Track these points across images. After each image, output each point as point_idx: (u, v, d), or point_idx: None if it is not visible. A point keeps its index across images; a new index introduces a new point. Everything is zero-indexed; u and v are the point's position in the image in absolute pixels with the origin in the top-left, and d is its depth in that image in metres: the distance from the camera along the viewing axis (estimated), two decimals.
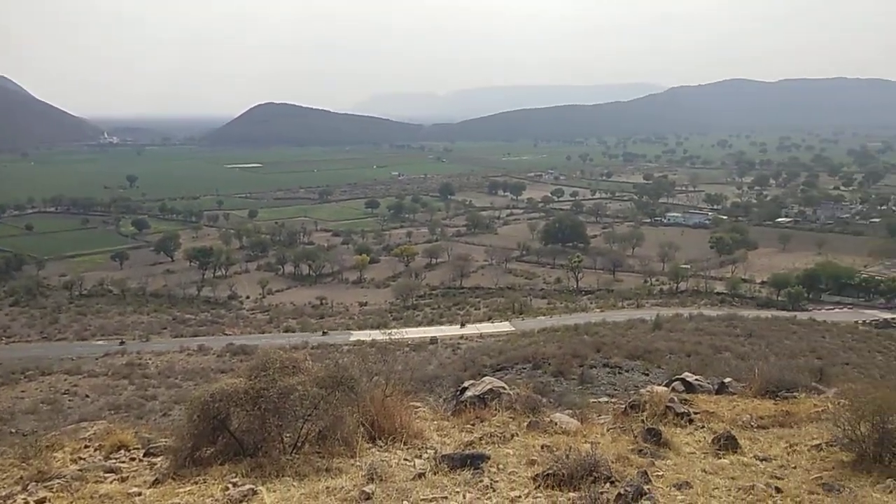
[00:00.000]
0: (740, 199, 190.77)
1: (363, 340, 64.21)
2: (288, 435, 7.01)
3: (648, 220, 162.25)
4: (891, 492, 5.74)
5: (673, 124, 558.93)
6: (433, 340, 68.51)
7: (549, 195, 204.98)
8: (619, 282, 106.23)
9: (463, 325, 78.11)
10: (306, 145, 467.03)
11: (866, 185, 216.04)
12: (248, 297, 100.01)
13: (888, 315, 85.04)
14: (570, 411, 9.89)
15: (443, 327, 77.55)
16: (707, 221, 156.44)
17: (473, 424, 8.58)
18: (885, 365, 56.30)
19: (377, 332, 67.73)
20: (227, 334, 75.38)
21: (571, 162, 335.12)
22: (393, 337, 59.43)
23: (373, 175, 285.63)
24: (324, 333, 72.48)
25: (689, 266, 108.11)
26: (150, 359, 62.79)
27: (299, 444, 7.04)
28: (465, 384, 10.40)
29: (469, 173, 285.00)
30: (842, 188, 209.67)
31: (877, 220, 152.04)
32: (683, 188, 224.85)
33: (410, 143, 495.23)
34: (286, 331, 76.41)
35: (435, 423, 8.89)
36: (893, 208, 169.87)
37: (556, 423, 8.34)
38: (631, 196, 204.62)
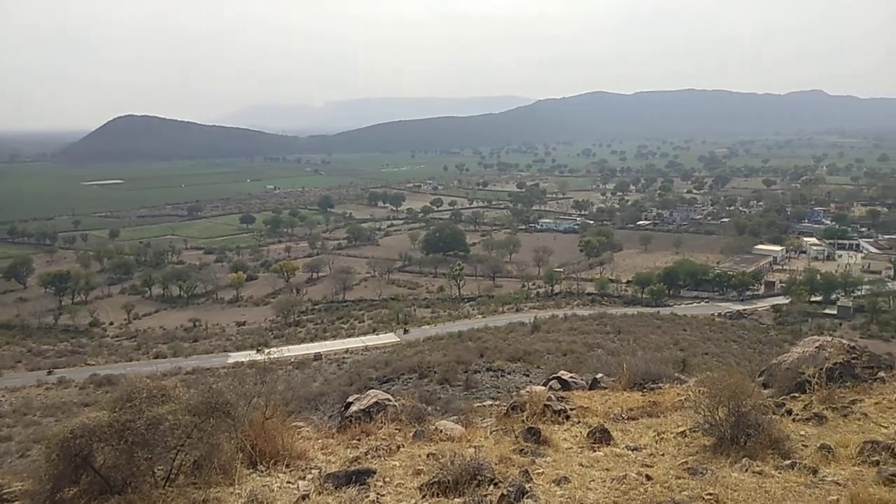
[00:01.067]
0: (605, 205, 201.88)
1: (242, 362, 61.77)
2: (160, 468, 6.57)
3: (523, 227, 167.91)
4: (746, 469, 6.25)
5: (541, 135, 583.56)
6: (317, 357, 67.18)
7: (429, 205, 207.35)
8: (499, 287, 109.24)
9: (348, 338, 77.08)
10: (172, 159, 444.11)
11: (715, 188, 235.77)
12: (111, 324, 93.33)
13: (740, 307, 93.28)
14: (456, 417, 9.99)
15: (327, 342, 76.25)
16: (576, 226, 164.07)
17: (359, 439, 8.45)
18: (740, 352, 61.68)
19: (256, 351, 65.42)
20: (89, 364, 69.99)
21: (449, 172, 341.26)
22: (274, 356, 57.62)
23: (247, 189, 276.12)
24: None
25: (562, 269, 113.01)
26: (2, 396, 57.10)
27: (173, 477, 6.62)
28: (350, 399, 10.24)
29: (348, 185, 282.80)
30: (694, 191, 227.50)
31: (726, 219, 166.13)
32: (554, 195, 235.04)
33: (286, 155, 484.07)
34: (156, 357, 72.07)
35: (319, 441, 8.68)
36: (740, 209, 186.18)
37: (441, 431, 8.39)
38: (506, 204, 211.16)
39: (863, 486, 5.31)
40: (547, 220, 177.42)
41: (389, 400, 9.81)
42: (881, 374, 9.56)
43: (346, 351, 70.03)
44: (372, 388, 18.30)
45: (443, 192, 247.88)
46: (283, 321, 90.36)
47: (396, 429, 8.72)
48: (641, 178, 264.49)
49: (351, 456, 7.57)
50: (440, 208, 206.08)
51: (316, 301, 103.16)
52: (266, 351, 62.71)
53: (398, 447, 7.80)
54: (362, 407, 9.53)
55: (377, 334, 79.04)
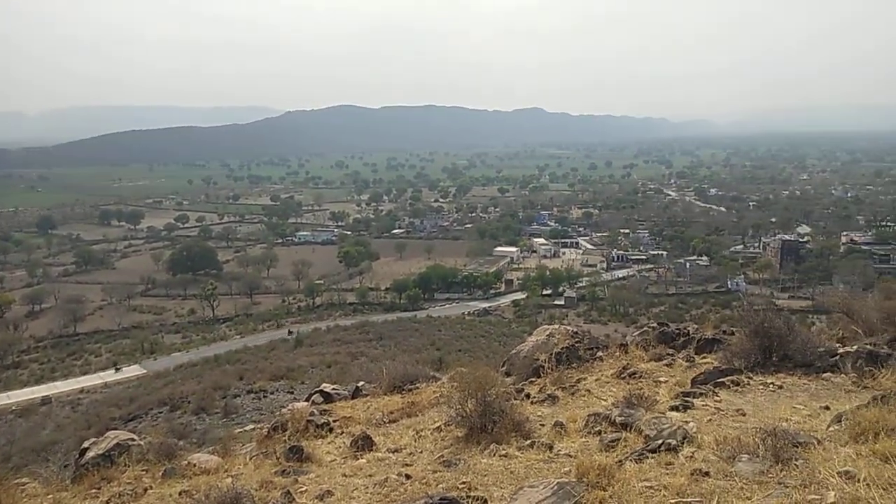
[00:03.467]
0: (360, 215, 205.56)
1: None
2: None
3: (280, 241, 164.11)
4: (494, 454, 6.78)
5: (293, 147, 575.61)
6: (45, 400, 58.55)
7: (173, 222, 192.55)
8: (258, 304, 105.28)
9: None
10: None
11: (458, 196, 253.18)
12: None
13: (486, 304, 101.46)
14: (213, 448, 9.45)
15: (57, 383, 66.75)
16: (334, 238, 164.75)
17: (99, 488, 7.60)
18: (488, 346, 66.96)
19: None
20: None
21: (195, 186, 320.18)
22: None
23: None
24: None
25: (322, 281, 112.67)
26: None
27: None
28: (87, 444, 9.14)
29: (73, 203, 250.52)
30: (440, 200, 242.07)
31: (469, 225, 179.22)
32: (310, 207, 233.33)
33: None
34: None
35: (50, 497, 7.65)
36: (481, 215, 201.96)
37: (195, 465, 7.87)
38: (260, 218, 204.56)
39: (588, 455, 6.05)
40: (304, 233, 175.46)
41: (133, 439, 8.95)
42: (599, 353, 11.05)
43: (82, 391, 61.99)
44: (114, 428, 16.47)
45: (189, 208, 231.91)
46: None
47: (143, 470, 8.00)
48: (393, 189, 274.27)
49: None
50: (187, 225, 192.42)
51: (40, 337, 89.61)
52: None
53: (145, 490, 7.13)
54: (101, 451, 8.58)
55: (119, 369, 71.22)
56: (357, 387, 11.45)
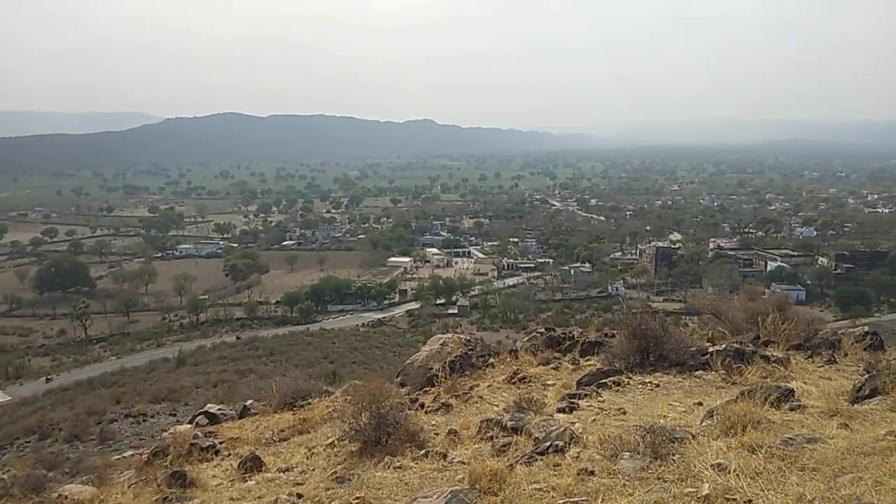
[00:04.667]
0: (248, 227, 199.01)
1: None
2: None
3: (160, 255, 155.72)
4: (388, 467, 6.72)
5: (174, 156, 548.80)
6: None
7: (40, 236, 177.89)
8: (136, 323, 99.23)
9: None
10: None
11: (351, 207, 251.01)
12: None
13: (380, 315, 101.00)
14: (88, 477, 8.81)
15: None
16: (220, 250, 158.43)
17: None
18: (383, 357, 66.66)
19: None
20: None
21: (64, 197, 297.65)
22: None
23: None
24: None
25: (207, 296, 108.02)
26: None
27: None
28: None
29: None
30: (333, 211, 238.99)
31: (362, 236, 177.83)
32: (192, 219, 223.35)
33: None
34: None
35: None
36: (374, 226, 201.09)
37: (66, 497, 7.29)
38: (138, 231, 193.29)
39: (481, 461, 6.13)
40: (187, 246, 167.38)
41: None
42: (491, 360, 11.26)
43: None
44: None
45: (58, 221, 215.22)
46: None
47: None
48: (283, 200, 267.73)
49: None
50: (55, 239, 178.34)
51: None
52: None
53: None
54: None
55: None
56: (245, 406, 11.04)
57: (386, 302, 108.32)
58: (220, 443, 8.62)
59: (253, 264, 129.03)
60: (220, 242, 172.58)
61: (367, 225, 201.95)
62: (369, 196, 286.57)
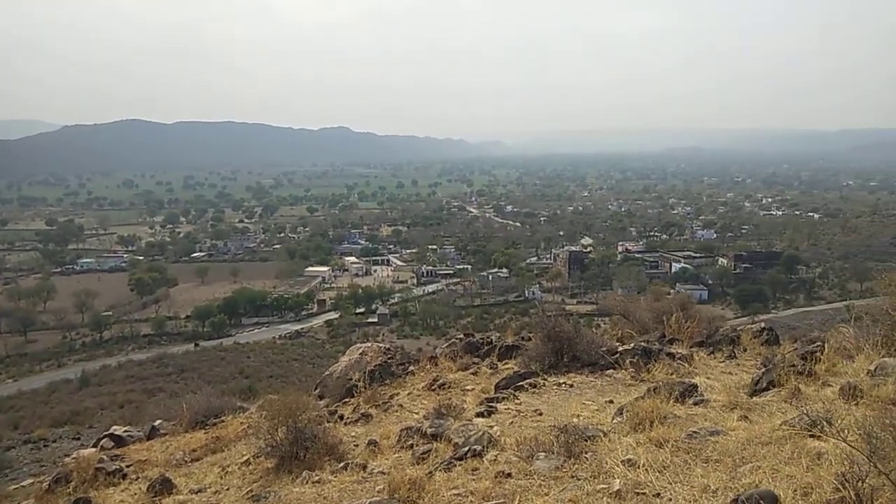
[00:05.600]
0: (155, 239, 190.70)
1: None
2: None
3: (59, 270, 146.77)
4: (306, 482, 6.60)
5: (73, 165, 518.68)
6: None
7: None
8: (34, 342, 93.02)
9: None
10: None
11: (265, 216, 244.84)
12: None
13: (298, 326, 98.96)
14: None
15: None
16: (124, 264, 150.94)
17: None
18: (301, 369, 65.31)
19: None
20: None
21: None
22: None
23: None
24: None
25: (111, 312, 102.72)
26: None
27: None
28: None
29: None
30: (246, 221, 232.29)
31: (278, 246, 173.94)
32: (94, 231, 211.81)
33: None
34: None
35: None
36: (290, 235, 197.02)
37: None
38: (35, 245, 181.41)
39: (401, 470, 6.12)
40: (88, 260, 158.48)
41: None
42: (411, 368, 11.27)
43: None
44: None
45: None
46: None
47: None
48: (192, 210, 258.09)
49: None
50: None
51: None
52: None
53: None
54: None
55: None
56: (154, 426, 10.55)
57: (304, 313, 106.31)
58: (128, 466, 8.21)
59: (160, 277, 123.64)
60: (125, 255, 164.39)
61: (282, 234, 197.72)
62: (284, 205, 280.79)
